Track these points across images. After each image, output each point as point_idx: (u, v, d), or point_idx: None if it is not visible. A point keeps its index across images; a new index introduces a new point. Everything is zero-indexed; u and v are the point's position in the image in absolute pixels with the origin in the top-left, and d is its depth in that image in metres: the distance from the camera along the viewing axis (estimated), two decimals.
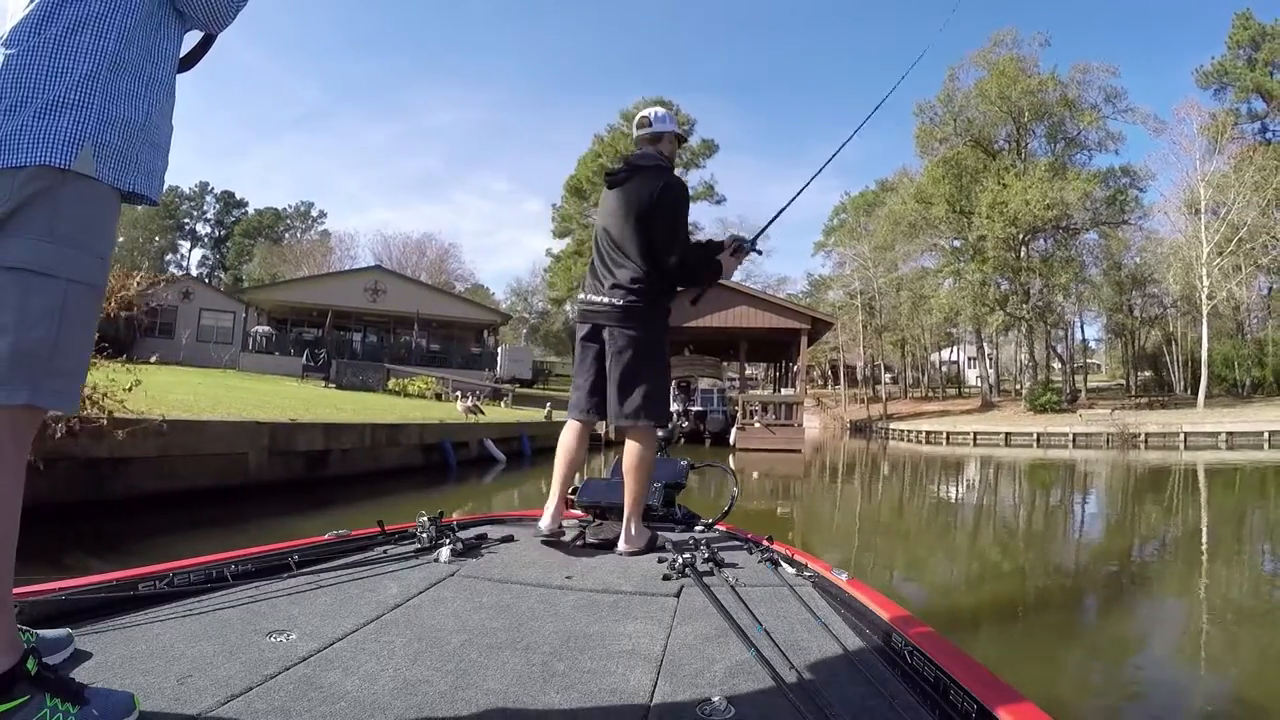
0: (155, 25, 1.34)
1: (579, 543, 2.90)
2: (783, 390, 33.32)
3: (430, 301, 37.33)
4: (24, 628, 1.37)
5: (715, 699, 1.37)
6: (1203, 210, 35.00)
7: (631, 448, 2.91)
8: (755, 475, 16.58)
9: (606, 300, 2.97)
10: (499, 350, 44.87)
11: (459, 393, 21.80)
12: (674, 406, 25.87)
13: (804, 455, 24.55)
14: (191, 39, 1.51)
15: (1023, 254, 41.81)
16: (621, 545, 2.80)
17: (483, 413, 17.75)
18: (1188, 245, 35.83)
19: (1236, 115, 40.58)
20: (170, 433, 7.34)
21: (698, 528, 3.23)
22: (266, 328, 34.04)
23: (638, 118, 3.22)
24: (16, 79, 1.19)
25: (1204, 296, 34.61)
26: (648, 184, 3.01)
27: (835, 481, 17.79)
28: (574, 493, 3.43)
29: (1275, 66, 41.32)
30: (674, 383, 26.81)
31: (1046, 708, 1.24)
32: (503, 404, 27.88)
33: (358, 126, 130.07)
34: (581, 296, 3.12)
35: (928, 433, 36.04)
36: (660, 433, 3.03)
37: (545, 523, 2.92)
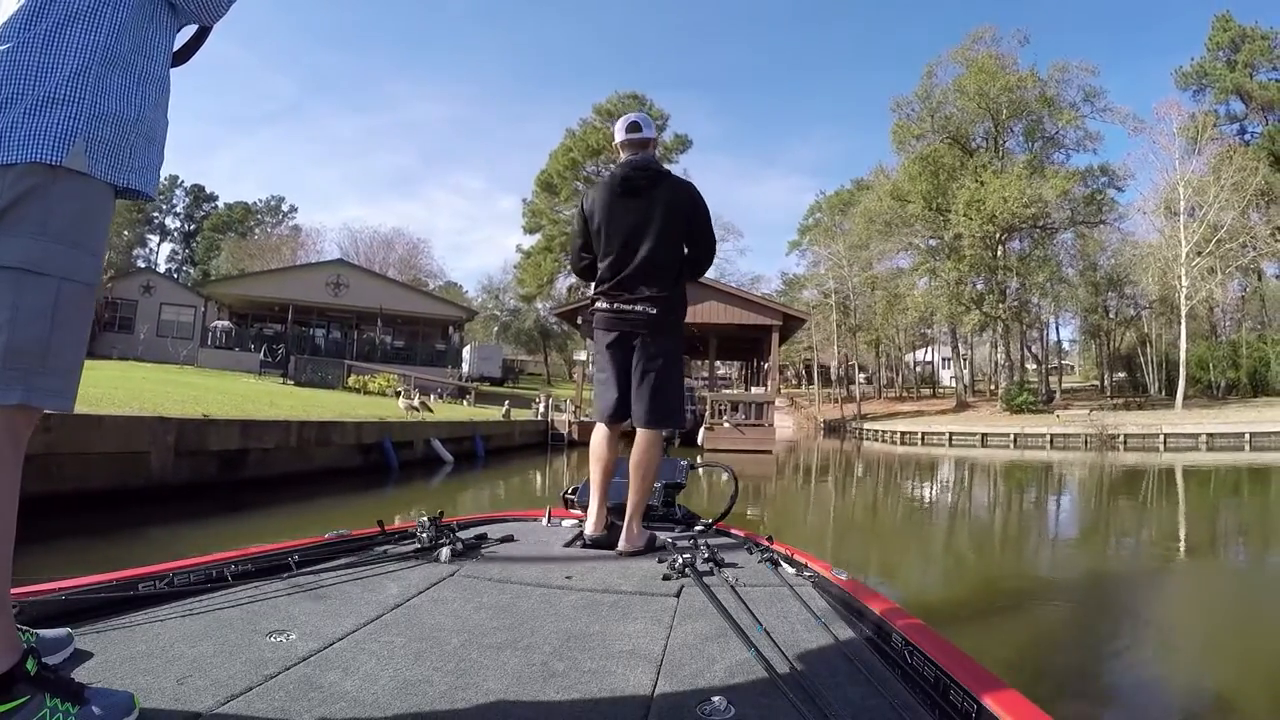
0: (148, 19, 1.32)
1: (579, 543, 2.94)
2: (754, 389, 32.63)
3: (394, 296, 36.44)
4: (24, 628, 1.36)
5: (715, 699, 1.35)
6: (1182, 210, 34.84)
7: (642, 447, 2.94)
8: (724, 477, 15.89)
9: (640, 309, 2.99)
10: (466, 347, 44.11)
11: (404, 389, 20.96)
12: None
13: (776, 456, 23.92)
14: (186, 34, 1.49)
15: (999, 253, 41.76)
16: (622, 545, 2.81)
17: (430, 410, 16.90)
18: (1166, 245, 35.69)
19: (1216, 116, 40.73)
20: (57, 428, 6.62)
21: (697, 528, 3.26)
22: (226, 323, 33.46)
23: (626, 123, 3.17)
24: (6, 75, 1.17)
25: (1182, 297, 34.43)
26: (679, 190, 3.07)
27: (808, 483, 17.16)
28: (573, 492, 3.59)
29: (1254, 68, 41.56)
30: None
31: (1043, 705, 1.23)
32: (464, 402, 27.20)
33: (332, 122, 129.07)
34: (604, 305, 3.08)
35: (903, 433, 35.77)
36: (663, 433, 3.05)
37: (590, 528, 2.94)
